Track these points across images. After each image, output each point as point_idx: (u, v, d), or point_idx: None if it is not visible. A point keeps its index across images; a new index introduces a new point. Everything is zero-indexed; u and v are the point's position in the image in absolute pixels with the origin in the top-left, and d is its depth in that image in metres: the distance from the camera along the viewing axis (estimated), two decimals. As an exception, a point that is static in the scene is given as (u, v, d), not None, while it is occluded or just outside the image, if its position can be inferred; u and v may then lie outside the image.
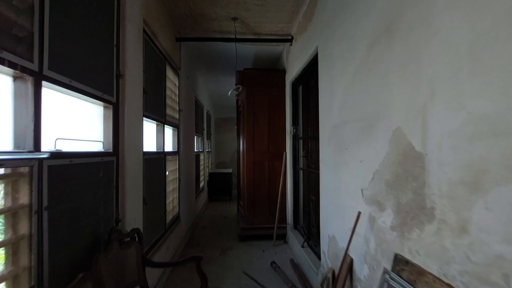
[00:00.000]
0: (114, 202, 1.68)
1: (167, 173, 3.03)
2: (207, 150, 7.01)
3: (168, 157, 3.07)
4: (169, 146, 3.37)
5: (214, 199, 6.87)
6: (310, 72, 2.93)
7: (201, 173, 5.95)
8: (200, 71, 5.15)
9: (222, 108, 9.13)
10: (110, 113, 1.67)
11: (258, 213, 3.88)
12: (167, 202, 2.94)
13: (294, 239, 3.36)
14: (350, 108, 1.75)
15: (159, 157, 2.68)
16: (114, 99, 1.68)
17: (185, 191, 3.85)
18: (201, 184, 5.90)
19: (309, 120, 3.07)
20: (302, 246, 3.01)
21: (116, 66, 1.71)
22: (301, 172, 3.67)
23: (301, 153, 3.69)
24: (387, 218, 1.32)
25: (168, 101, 3.01)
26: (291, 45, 3.50)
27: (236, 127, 5.51)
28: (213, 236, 4.06)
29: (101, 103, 1.61)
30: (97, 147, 1.62)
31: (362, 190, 1.56)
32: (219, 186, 6.68)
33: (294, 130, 3.71)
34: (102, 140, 1.66)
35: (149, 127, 2.57)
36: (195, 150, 5.12)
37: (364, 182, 1.54)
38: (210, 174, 6.73)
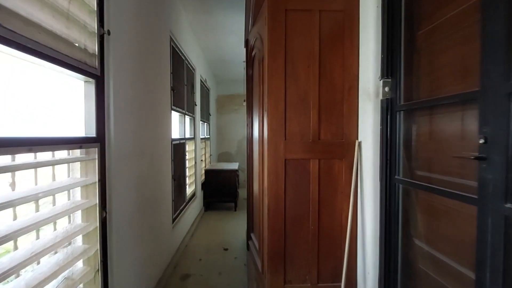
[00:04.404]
0: None
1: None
2: (202, 136, 4.89)
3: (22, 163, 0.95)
4: (59, 124, 1.25)
5: (213, 207, 4.81)
6: None
7: (190, 172, 3.84)
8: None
9: (226, 82, 6.93)
10: None
11: (295, 274, 1.77)
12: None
13: None
14: None
15: None
16: None
17: (132, 229, 1.76)
18: (190, 190, 3.81)
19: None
20: None
21: None
22: (399, 187, 1.51)
23: (400, 144, 1.52)
24: None
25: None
26: None
27: (246, 98, 3.27)
28: (199, 310, 1.99)
29: None
30: None
31: None
32: (220, 189, 4.58)
33: (387, 89, 1.53)
34: None
35: None
36: (176, 137, 3.00)
37: None
38: (207, 172, 4.63)
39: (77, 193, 1.35)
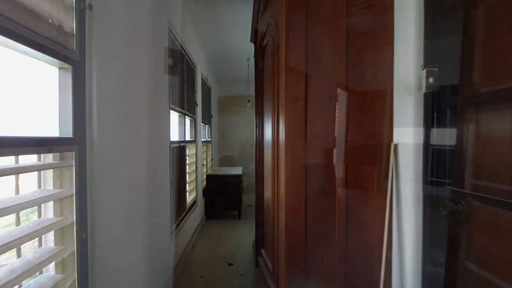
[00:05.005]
0: None
1: None
2: (203, 139, 4.61)
3: None
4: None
5: (215, 215, 4.50)
6: None
7: (191, 178, 3.55)
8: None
9: (228, 82, 6.67)
10: None
11: (317, 303, 1.47)
12: None
13: None
14: None
15: None
16: None
17: (120, 249, 1.47)
18: (191, 198, 3.52)
19: None
20: None
21: None
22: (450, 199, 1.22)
23: (450, 146, 1.24)
24: None
25: None
26: None
27: (255, 95, 2.90)
28: None
29: None
30: None
31: None
32: (223, 196, 4.29)
33: (432, 80, 1.26)
34: None
35: None
36: (175, 140, 2.72)
37: None
38: (209, 178, 4.34)
39: (49, 209, 1.06)
